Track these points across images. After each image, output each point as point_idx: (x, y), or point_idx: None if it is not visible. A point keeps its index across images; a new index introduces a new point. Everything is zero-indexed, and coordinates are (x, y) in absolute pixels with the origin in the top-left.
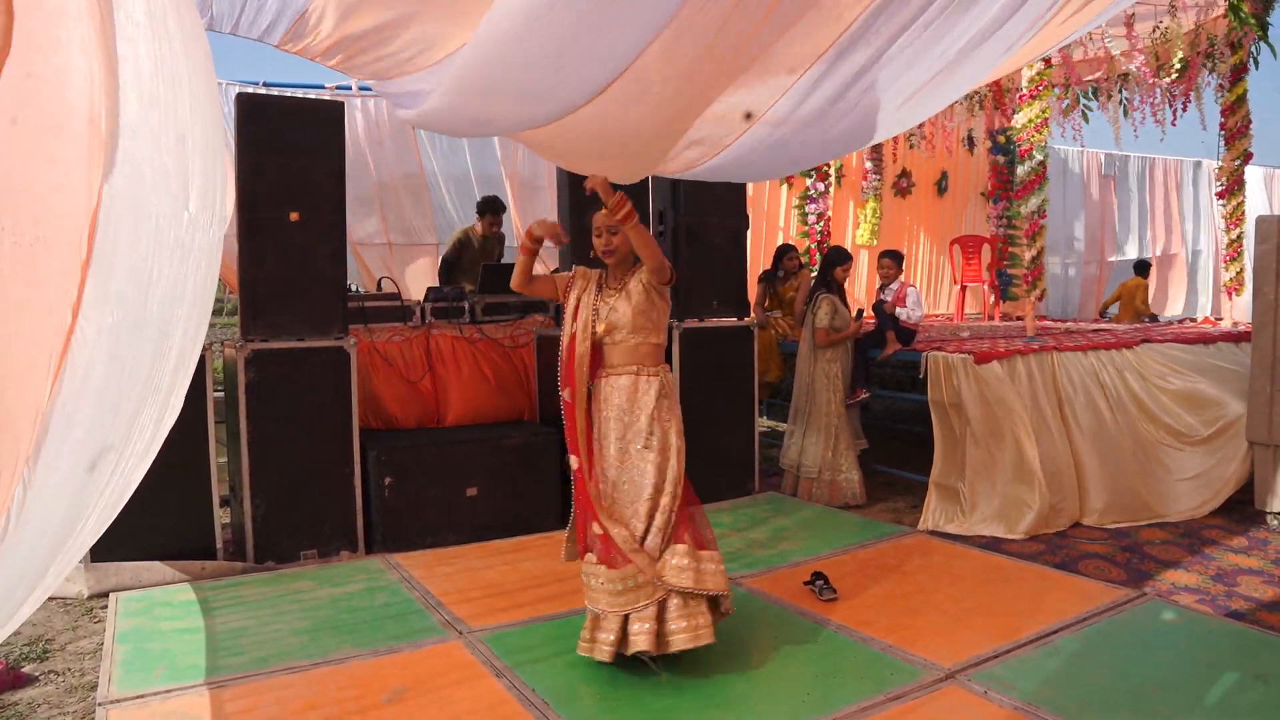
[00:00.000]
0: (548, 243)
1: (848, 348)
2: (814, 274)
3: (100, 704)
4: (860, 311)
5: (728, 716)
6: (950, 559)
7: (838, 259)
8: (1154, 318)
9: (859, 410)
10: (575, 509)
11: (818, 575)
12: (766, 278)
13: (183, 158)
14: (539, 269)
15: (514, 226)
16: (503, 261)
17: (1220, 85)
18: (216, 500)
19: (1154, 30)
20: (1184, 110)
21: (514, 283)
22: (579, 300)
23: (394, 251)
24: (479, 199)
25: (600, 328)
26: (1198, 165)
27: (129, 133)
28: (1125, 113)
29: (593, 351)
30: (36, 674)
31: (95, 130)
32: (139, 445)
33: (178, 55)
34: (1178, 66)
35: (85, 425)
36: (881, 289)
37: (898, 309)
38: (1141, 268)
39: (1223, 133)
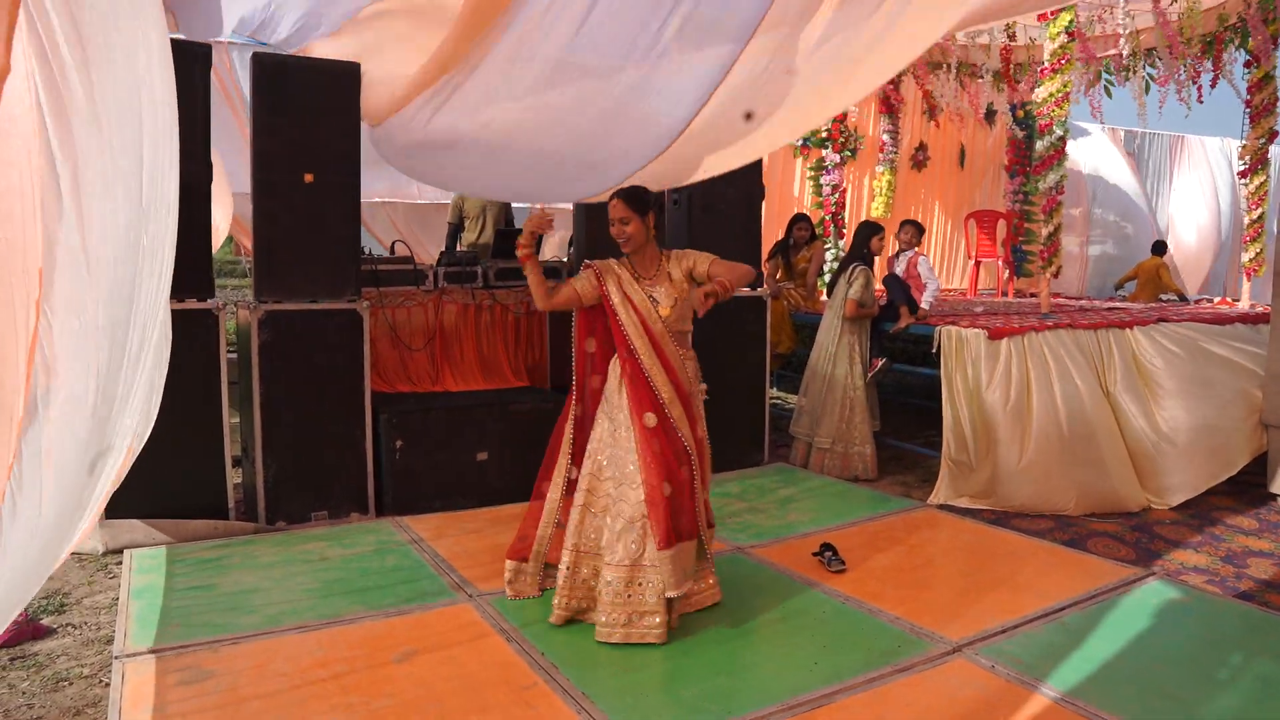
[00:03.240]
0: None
1: (866, 323)
2: (826, 245)
3: (116, 657)
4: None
5: (735, 683)
6: (959, 534)
7: (872, 230)
8: (1182, 298)
9: (876, 387)
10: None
11: (826, 546)
12: (779, 249)
13: (137, 155)
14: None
15: None
16: (503, 228)
17: (1248, 62)
18: (229, 461)
19: (1173, 1)
20: (1212, 86)
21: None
22: (624, 291)
23: (409, 213)
24: None
25: (663, 311)
26: (1220, 143)
27: (75, 134)
28: (1148, 89)
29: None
30: (54, 626)
31: (38, 134)
32: (116, 436)
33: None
34: (1198, 43)
35: (55, 420)
36: (896, 256)
37: (924, 298)
38: (1159, 247)
39: (1248, 110)
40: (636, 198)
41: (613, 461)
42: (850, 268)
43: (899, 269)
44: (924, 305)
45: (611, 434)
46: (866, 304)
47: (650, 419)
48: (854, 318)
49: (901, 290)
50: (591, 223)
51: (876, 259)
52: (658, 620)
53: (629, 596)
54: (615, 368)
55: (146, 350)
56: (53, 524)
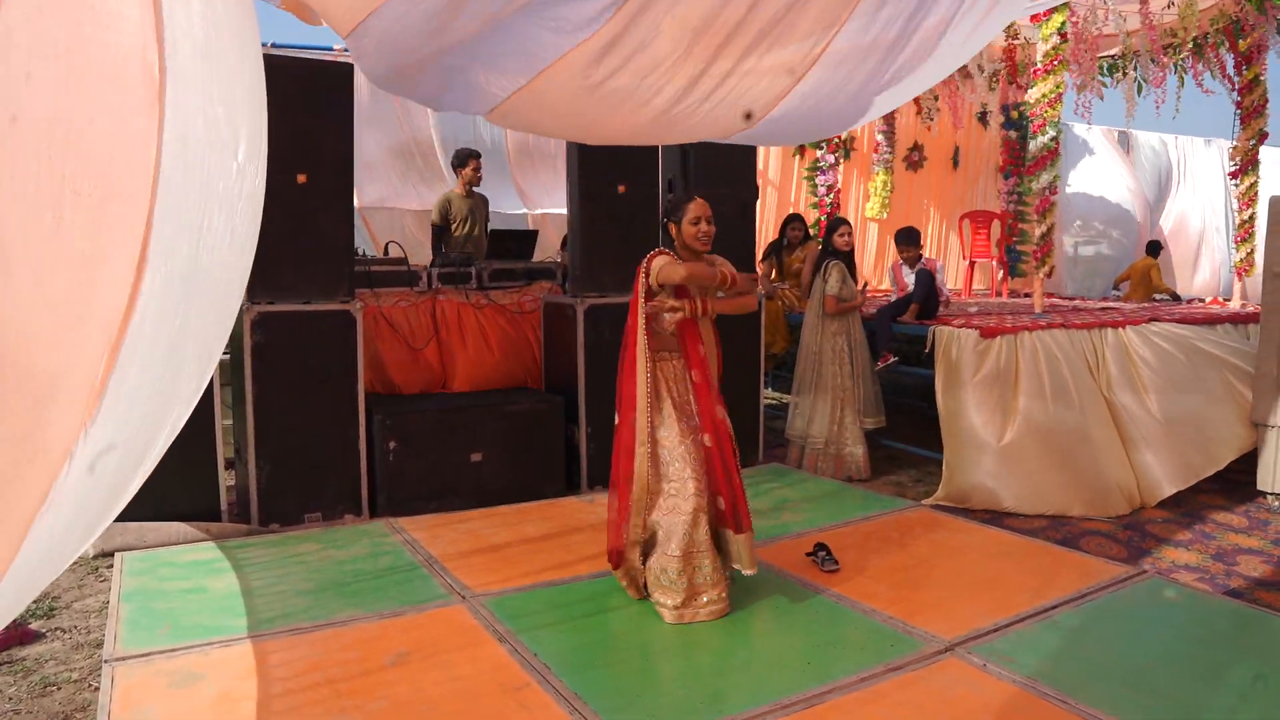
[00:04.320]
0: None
1: (854, 319)
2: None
3: (106, 661)
4: (865, 285)
5: (728, 684)
6: (953, 533)
7: (834, 225)
8: (1176, 297)
9: (880, 385)
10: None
11: (820, 546)
12: (773, 249)
13: (231, 106)
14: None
15: (515, 191)
16: (496, 228)
17: (1238, 63)
18: (221, 462)
19: (1169, 5)
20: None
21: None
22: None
23: (398, 217)
24: (453, 154)
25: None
26: (1208, 144)
27: (181, 81)
28: (1140, 89)
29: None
30: (43, 631)
31: (149, 78)
32: (183, 399)
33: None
34: (1190, 45)
35: (135, 380)
36: (913, 265)
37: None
38: (1153, 248)
39: (1238, 111)
40: None
41: (670, 460)
42: (824, 265)
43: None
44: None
45: (665, 435)
46: (846, 298)
47: (707, 438)
48: (836, 313)
49: (923, 286)
50: (589, 232)
51: (850, 253)
52: (713, 596)
53: (683, 582)
54: (664, 367)
55: (216, 350)
56: (67, 524)
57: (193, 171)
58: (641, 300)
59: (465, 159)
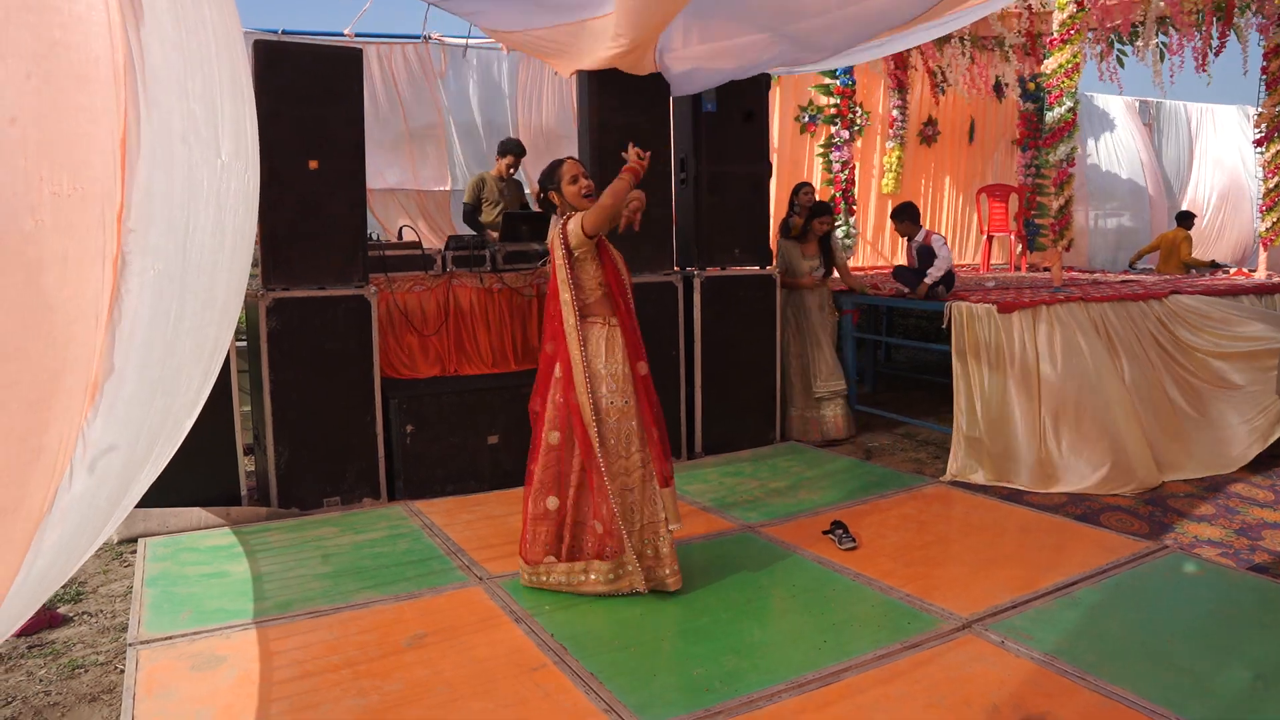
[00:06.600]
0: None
1: (810, 294)
2: (835, 221)
3: (131, 644)
4: (824, 272)
5: (744, 663)
6: (971, 510)
7: (816, 212)
8: (1214, 264)
9: (836, 350)
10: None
11: (837, 524)
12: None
13: (211, 104)
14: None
15: (525, 175)
16: (524, 210)
17: (1263, 26)
18: (240, 448)
19: None
20: (1216, 55)
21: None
22: (602, 248)
23: (412, 199)
24: (501, 140)
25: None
26: (1239, 111)
27: (153, 80)
28: (1163, 57)
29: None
30: (71, 615)
31: (120, 79)
32: (185, 397)
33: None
34: (1198, 10)
35: (133, 381)
36: (911, 245)
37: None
38: (1184, 219)
39: (1264, 77)
40: None
41: (626, 423)
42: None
43: (915, 248)
44: (927, 278)
45: (617, 397)
46: (792, 274)
47: (643, 366)
48: (787, 286)
49: (908, 274)
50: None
51: (828, 233)
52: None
53: (673, 546)
54: (598, 331)
55: (219, 348)
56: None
57: (175, 170)
58: (563, 269)
59: (506, 151)
